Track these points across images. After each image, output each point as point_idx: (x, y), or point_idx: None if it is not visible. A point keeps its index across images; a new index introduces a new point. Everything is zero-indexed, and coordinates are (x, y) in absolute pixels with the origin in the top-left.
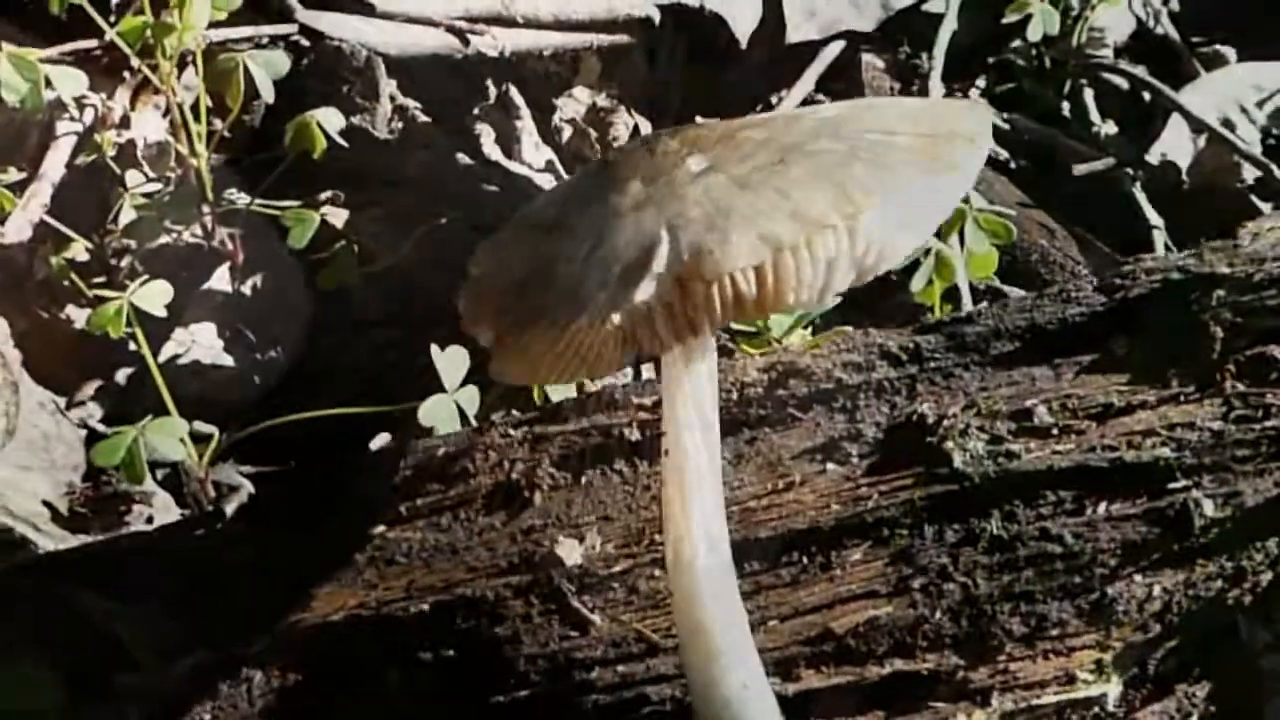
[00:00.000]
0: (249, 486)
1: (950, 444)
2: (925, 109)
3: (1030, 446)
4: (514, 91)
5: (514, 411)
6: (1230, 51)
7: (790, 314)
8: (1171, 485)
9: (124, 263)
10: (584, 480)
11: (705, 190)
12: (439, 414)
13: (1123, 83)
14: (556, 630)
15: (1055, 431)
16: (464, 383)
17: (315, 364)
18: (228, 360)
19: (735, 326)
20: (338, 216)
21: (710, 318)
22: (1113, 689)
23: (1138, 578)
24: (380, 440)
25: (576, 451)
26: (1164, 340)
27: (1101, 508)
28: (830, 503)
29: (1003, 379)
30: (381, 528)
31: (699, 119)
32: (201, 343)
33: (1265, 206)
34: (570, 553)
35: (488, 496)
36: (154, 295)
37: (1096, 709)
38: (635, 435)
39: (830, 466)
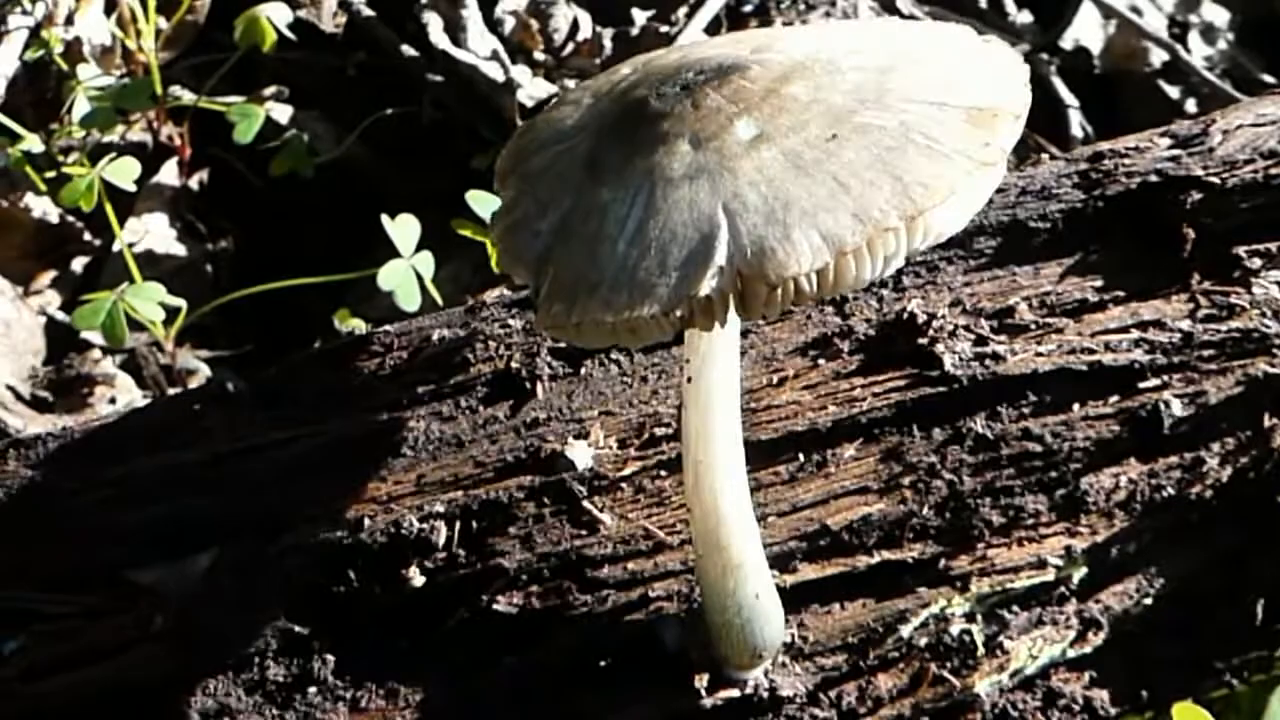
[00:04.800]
0: (206, 370)
1: (940, 346)
2: (966, 61)
3: (1014, 348)
4: None
5: (504, 291)
6: None
7: None
8: (1143, 385)
9: (72, 159)
10: (583, 372)
11: (759, 168)
12: (396, 278)
13: None
14: (568, 530)
15: (1035, 328)
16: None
17: (264, 254)
18: (180, 250)
19: None
20: (282, 112)
21: (768, 309)
22: (1079, 573)
23: (1107, 470)
24: (340, 315)
25: None
26: (1138, 238)
27: (1078, 408)
28: (827, 404)
29: (985, 275)
30: (384, 415)
31: (635, 11)
32: (155, 232)
33: (1172, 90)
34: (581, 456)
35: (488, 385)
36: (124, 169)
37: (1063, 590)
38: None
39: (822, 362)
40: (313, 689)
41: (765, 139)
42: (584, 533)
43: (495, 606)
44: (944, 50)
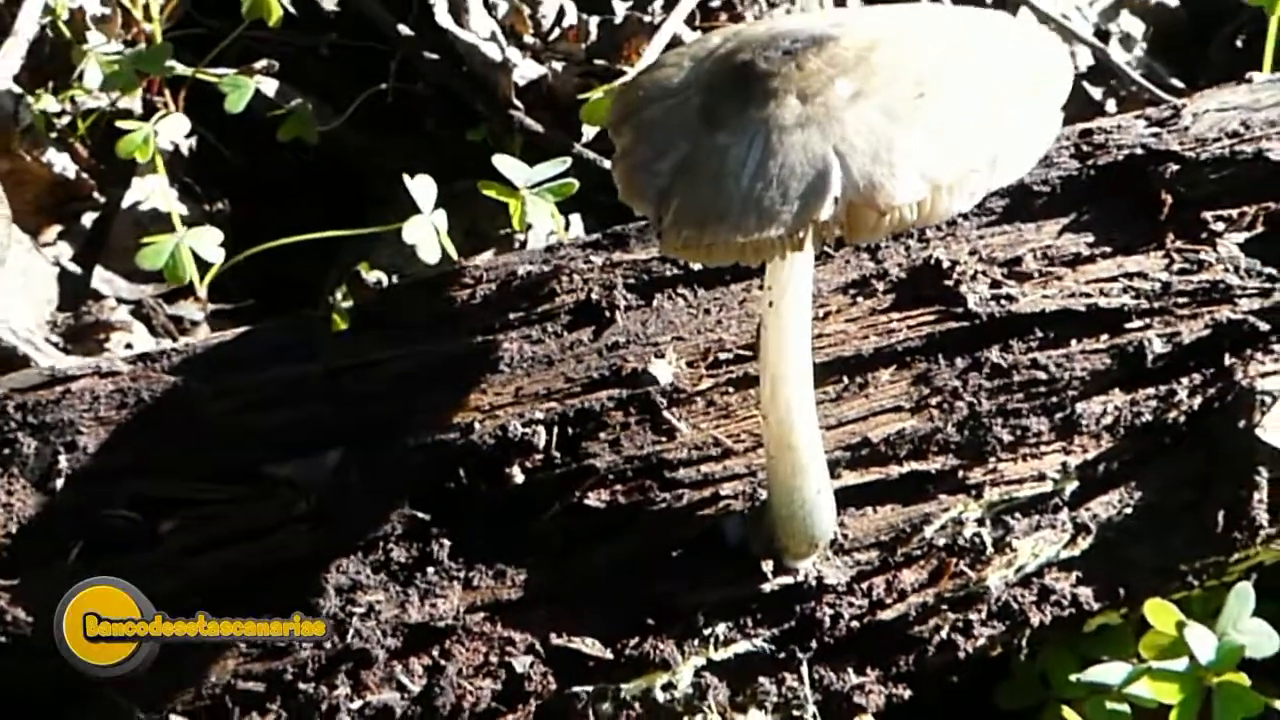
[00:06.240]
0: (205, 326)
1: (964, 287)
2: (1015, 36)
3: (1024, 291)
4: None
5: (579, 235)
6: None
7: None
8: (1129, 326)
9: (63, 123)
10: (654, 303)
11: (860, 118)
12: (420, 232)
13: None
14: (650, 436)
15: (1039, 276)
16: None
17: (254, 224)
18: (183, 210)
19: None
20: (269, 86)
21: (874, 233)
22: (1072, 485)
23: (1097, 398)
24: (364, 266)
25: (644, 277)
26: (1124, 202)
27: (1076, 343)
28: (868, 334)
29: (997, 230)
30: (478, 338)
31: (616, 2)
32: (159, 192)
33: (1095, 90)
34: (662, 372)
35: (572, 313)
36: (175, 125)
37: (1058, 500)
38: (697, 265)
39: (860, 299)
40: (431, 569)
41: (863, 95)
42: (664, 439)
43: (587, 501)
44: (995, 28)
